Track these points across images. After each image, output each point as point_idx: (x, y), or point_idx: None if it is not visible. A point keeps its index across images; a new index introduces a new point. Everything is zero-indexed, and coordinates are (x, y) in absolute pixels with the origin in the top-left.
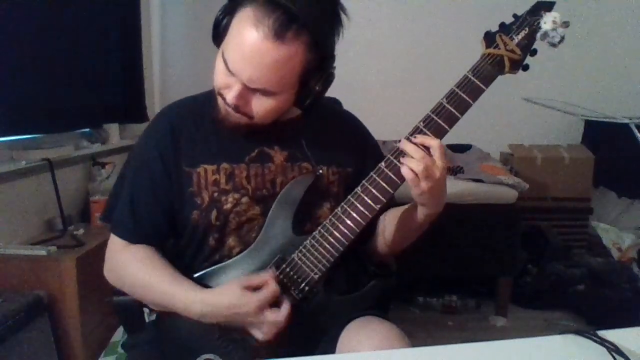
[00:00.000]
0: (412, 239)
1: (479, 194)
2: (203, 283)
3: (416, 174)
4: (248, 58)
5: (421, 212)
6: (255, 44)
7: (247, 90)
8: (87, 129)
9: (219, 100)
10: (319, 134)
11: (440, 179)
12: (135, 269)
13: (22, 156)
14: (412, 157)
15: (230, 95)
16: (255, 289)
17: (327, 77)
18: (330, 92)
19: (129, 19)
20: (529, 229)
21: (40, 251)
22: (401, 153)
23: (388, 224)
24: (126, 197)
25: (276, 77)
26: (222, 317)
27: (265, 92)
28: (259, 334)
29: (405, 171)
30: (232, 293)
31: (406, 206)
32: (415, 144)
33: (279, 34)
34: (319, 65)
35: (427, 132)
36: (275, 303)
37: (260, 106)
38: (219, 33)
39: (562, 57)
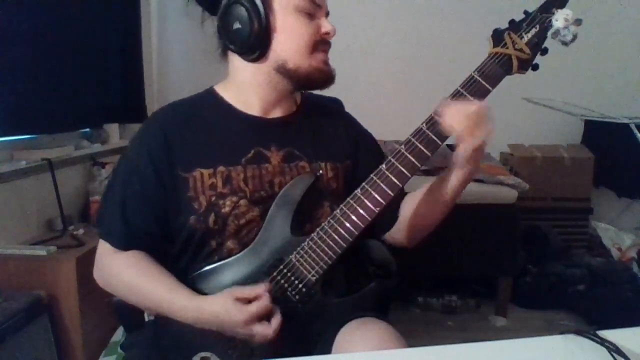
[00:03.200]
0: (441, 217)
1: (479, 194)
2: (199, 283)
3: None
4: None
5: (460, 176)
6: None
7: None
8: (87, 129)
9: (316, 59)
10: (313, 130)
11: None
12: (126, 274)
13: (22, 156)
14: (456, 113)
15: (329, 25)
16: (249, 300)
17: None
18: (331, 92)
19: (128, 19)
20: (529, 229)
21: (40, 251)
22: (402, 154)
23: (413, 207)
24: (117, 205)
25: None
26: (212, 325)
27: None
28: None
29: (446, 126)
30: (223, 302)
31: (430, 183)
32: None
33: None
34: None
35: (430, 133)
36: (266, 316)
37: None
38: (265, 14)
39: (563, 57)
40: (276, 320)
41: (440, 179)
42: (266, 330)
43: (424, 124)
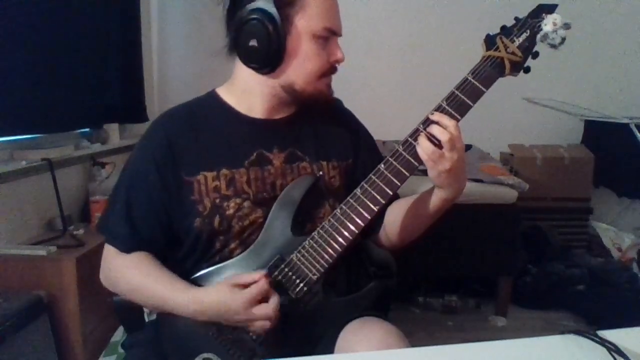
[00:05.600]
0: (424, 229)
1: (479, 194)
2: (201, 283)
3: (429, 157)
4: (338, 8)
5: (439, 196)
6: None
7: None
8: (87, 129)
9: (321, 82)
10: (315, 129)
11: (459, 159)
12: (130, 273)
13: (22, 156)
14: (428, 138)
15: (341, 52)
16: (245, 287)
17: None
18: None
19: (129, 19)
20: (529, 229)
21: (40, 251)
22: (400, 154)
23: (397, 215)
24: (122, 210)
25: None
26: (212, 315)
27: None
28: (254, 331)
29: (420, 152)
30: (221, 290)
31: (417, 195)
32: (432, 121)
33: None
34: None
35: (427, 133)
36: (265, 299)
37: None
38: (284, 31)
39: (563, 57)
40: (274, 299)
41: (425, 194)
42: (266, 309)
43: (421, 125)
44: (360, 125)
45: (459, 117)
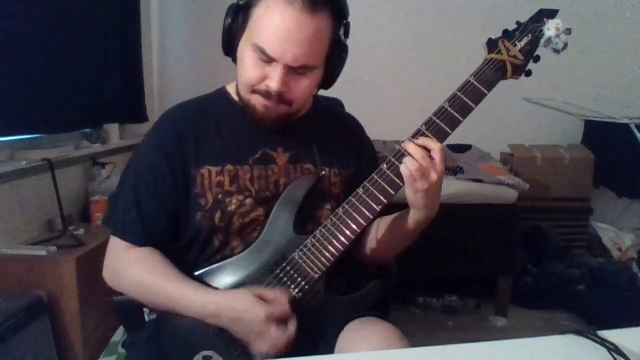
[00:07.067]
0: (402, 247)
1: (479, 194)
2: (203, 281)
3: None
4: (290, 36)
5: (413, 216)
6: (294, 19)
7: (289, 73)
8: (87, 129)
9: (254, 98)
10: (320, 135)
11: (437, 182)
12: (140, 270)
13: (22, 156)
14: (412, 157)
15: (275, 82)
16: (267, 302)
17: (345, 50)
18: (331, 92)
19: (129, 19)
20: (529, 229)
21: (40, 251)
22: (403, 154)
23: (380, 231)
24: (131, 201)
25: (316, 50)
26: (227, 320)
27: (306, 69)
28: (258, 349)
29: (403, 169)
30: (245, 298)
31: (398, 213)
32: (417, 144)
33: (312, 5)
34: (339, 37)
35: (429, 134)
36: (283, 322)
37: (300, 87)
38: (237, 29)
39: (562, 57)
40: (292, 327)
41: (405, 212)
42: (282, 334)
43: (423, 126)
44: (363, 134)
45: (461, 118)
